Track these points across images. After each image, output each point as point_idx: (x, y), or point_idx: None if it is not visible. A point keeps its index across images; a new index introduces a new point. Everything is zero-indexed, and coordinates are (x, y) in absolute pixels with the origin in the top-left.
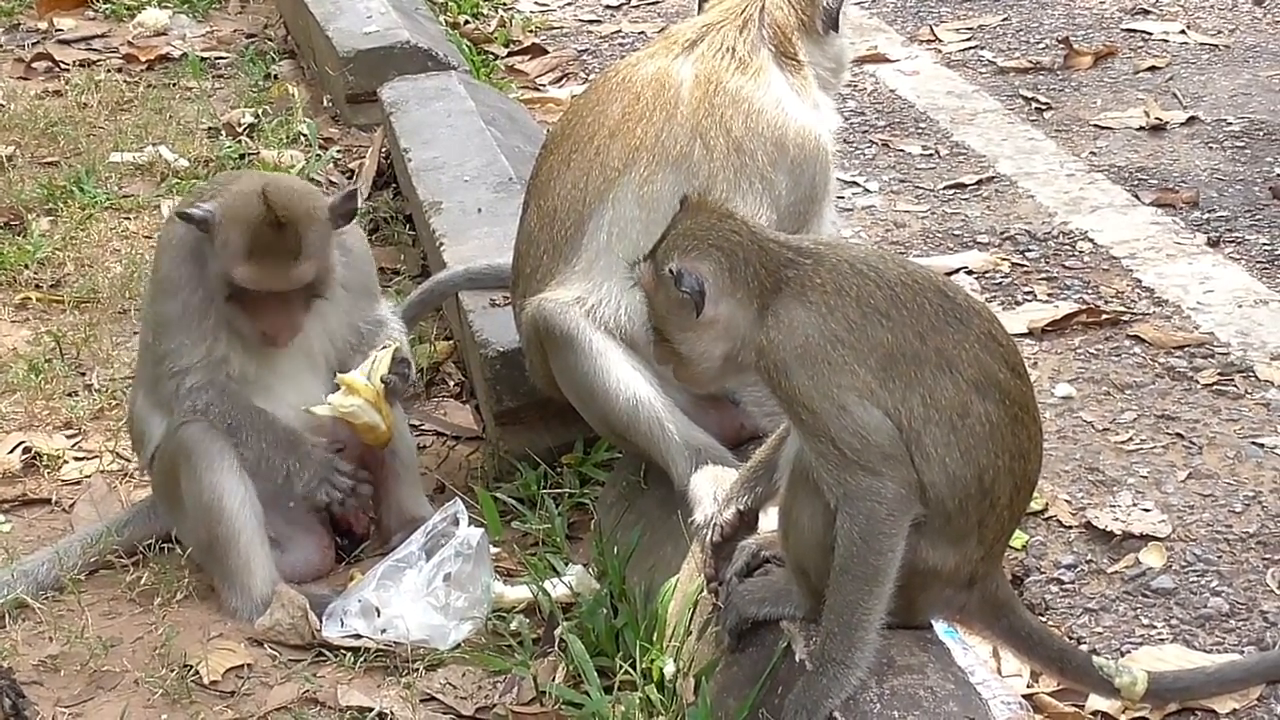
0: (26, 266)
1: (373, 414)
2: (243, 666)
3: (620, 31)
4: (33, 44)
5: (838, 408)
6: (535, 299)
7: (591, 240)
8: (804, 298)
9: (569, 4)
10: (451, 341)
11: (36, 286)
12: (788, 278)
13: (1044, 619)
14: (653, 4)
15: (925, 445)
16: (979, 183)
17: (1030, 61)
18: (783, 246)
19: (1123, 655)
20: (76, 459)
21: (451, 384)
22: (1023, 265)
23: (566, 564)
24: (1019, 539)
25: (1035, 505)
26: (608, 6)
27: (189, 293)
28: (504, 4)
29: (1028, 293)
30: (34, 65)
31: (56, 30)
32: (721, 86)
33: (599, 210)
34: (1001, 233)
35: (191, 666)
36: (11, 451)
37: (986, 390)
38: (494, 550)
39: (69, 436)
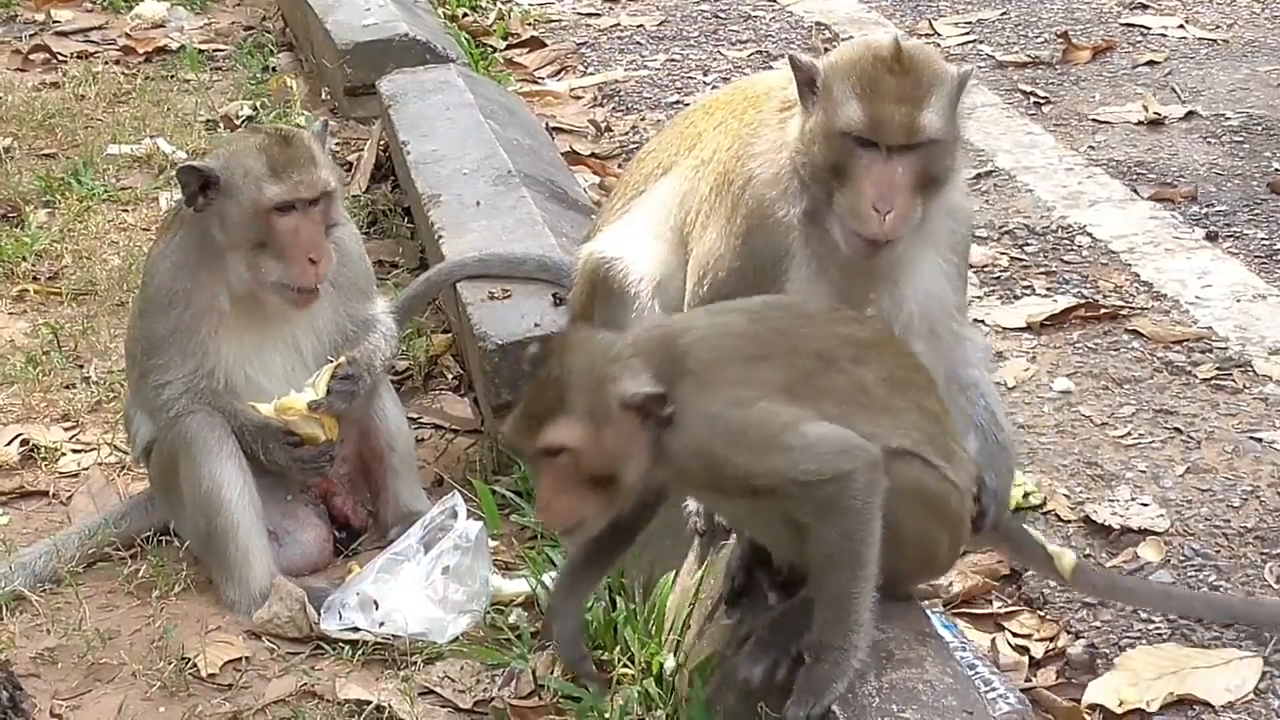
0: (24, 259)
1: (311, 425)
2: (241, 659)
3: (619, 25)
4: (30, 35)
5: (784, 452)
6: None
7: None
8: (697, 386)
9: None
10: (449, 334)
11: (34, 279)
12: (678, 373)
13: (1042, 613)
14: None
15: (860, 430)
16: (977, 177)
17: (1029, 56)
18: (658, 339)
19: (1121, 650)
20: (74, 451)
21: (450, 377)
22: (1021, 260)
23: (564, 557)
24: None
25: (1034, 500)
26: (605, 0)
27: (181, 310)
28: None
29: (1026, 287)
30: (31, 57)
31: (54, 22)
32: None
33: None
34: (1000, 227)
35: (189, 659)
36: (9, 444)
37: (863, 357)
38: (492, 544)
39: (67, 429)
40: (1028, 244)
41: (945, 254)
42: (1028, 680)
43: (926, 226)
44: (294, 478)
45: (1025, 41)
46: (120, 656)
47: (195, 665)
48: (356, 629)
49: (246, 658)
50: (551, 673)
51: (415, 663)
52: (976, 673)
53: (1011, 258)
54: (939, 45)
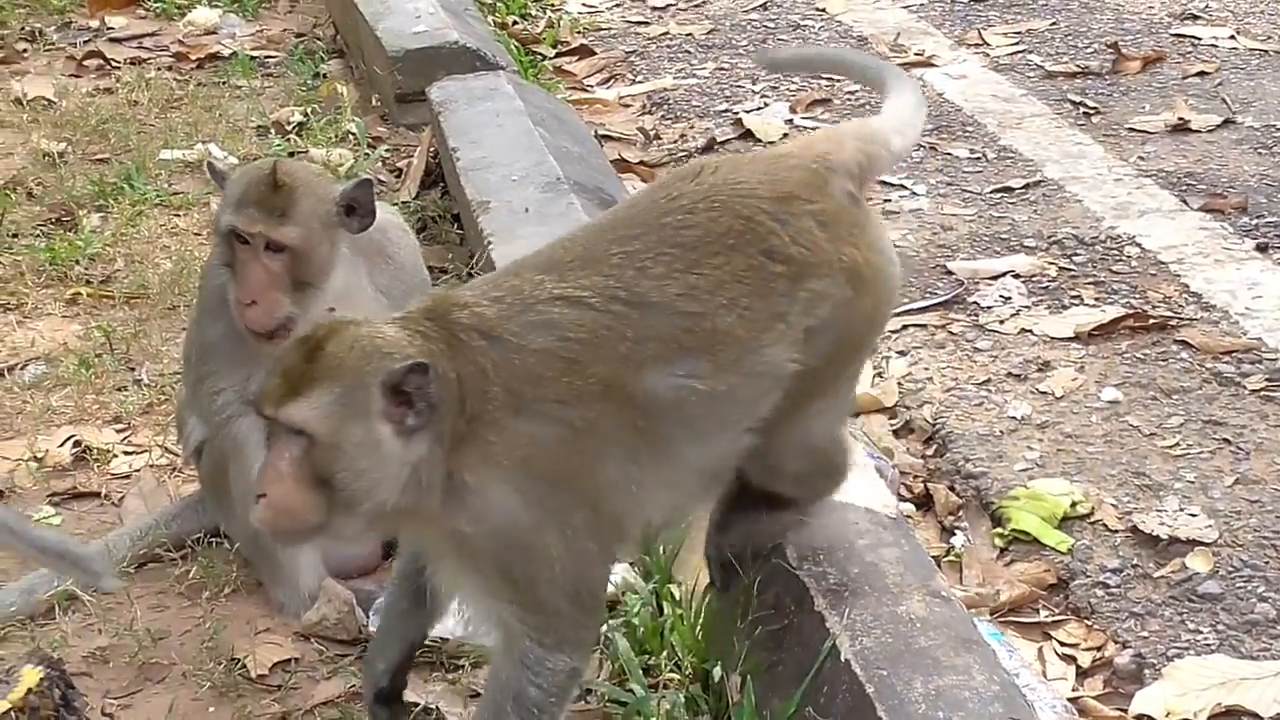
0: (77, 262)
1: None
2: (289, 661)
3: (668, 33)
4: (84, 42)
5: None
6: None
7: None
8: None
9: (616, 5)
10: None
11: (87, 282)
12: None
13: (1090, 623)
14: (699, 6)
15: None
16: (1026, 186)
17: (1078, 66)
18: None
19: (1169, 660)
20: (126, 453)
21: None
22: (1070, 269)
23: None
24: (1064, 542)
25: (1081, 509)
26: (655, 8)
27: (229, 315)
28: (552, 5)
29: (1074, 297)
30: (85, 63)
31: (108, 28)
32: None
33: None
34: (1049, 237)
35: (239, 660)
36: (62, 445)
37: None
38: None
39: (118, 431)
40: (1076, 254)
41: None
42: (1074, 690)
43: None
44: None
45: (1075, 52)
46: (170, 656)
47: (244, 666)
48: None
49: (295, 659)
50: (598, 676)
51: (463, 665)
52: (1022, 681)
53: (1060, 267)
54: (988, 55)
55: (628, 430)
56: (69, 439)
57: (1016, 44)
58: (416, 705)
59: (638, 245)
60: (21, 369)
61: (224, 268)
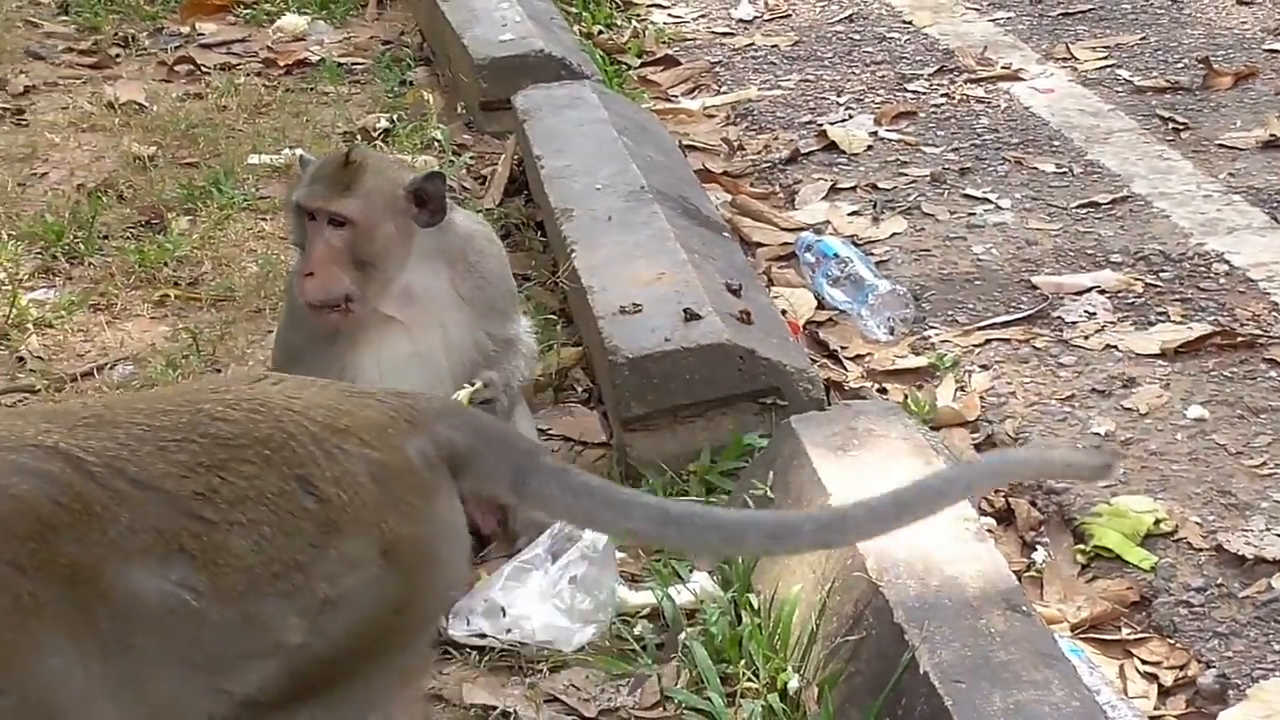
0: (166, 264)
1: None
2: None
3: (753, 44)
4: (175, 47)
5: None
6: None
7: None
8: None
9: (702, 16)
10: (580, 348)
11: (175, 284)
12: None
13: (1173, 641)
14: (784, 18)
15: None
16: (1113, 202)
17: (1168, 81)
18: None
19: (1254, 681)
20: None
21: (579, 390)
22: (1156, 286)
23: (691, 571)
24: (1146, 560)
25: (1165, 527)
26: (740, 20)
27: (315, 321)
28: (637, 15)
29: (1160, 313)
30: (176, 68)
31: (198, 34)
32: None
33: None
34: (1135, 253)
35: None
36: None
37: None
38: (619, 555)
39: None
40: (1163, 270)
41: None
42: (1156, 709)
43: None
44: None
45: (1165, 66)
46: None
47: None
48: (483, 635)
49: None
50: (676, 684)
51: (541, 670)
52: (1103, 698)
53: (1146, 284)
54: (1076, 69)
55: (86, 627)
56: None
57: (1105, 58)
58: (494, 709)
59: (166, 421)
60: (110, 369)
61: (297, 247)
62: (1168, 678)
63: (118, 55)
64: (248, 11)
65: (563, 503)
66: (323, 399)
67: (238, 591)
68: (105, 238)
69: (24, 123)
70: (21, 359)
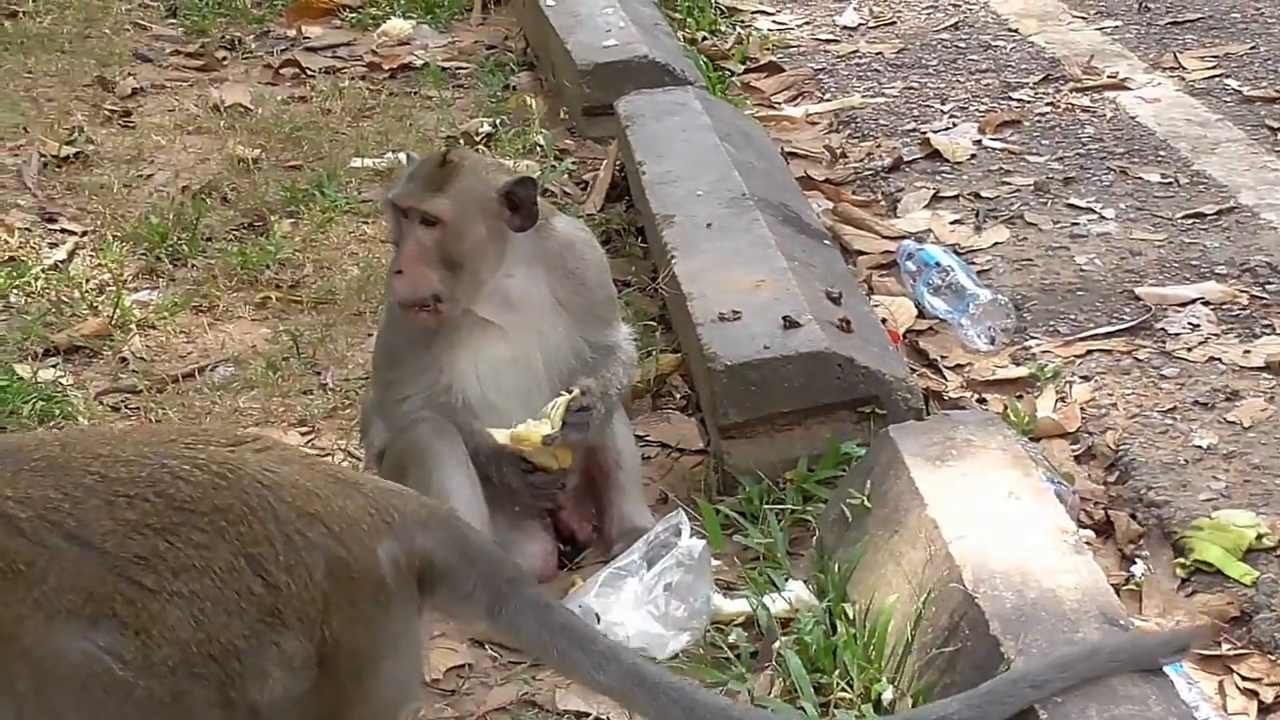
0: (268, 267)
1: (545, 455)
2: (464, 666)
3: (858, 51)
4: (281, 51)
5: None
6: None
7: None
8: None
9: (806, 23)
10: (679, 354)
11: (276, 286)
12: None
13: (1274, 657)
14: (889, 25)
15: None
16: (1219, 213)
17: (1277, 91)
18: None
19: None
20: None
21: (678, 396)
22: (1262, 298)
23: (786, 580)
24: (1248, 575)
25: (1267, 542)
26: (845, 27)
27: (411, 322)
28: (742, 22)
29: (1266, 326)
30: (282, 71)
31: (304, 38)
32: None
33: None
34: (1241, 264)
35: None
36: None
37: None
38: (714, 563)
39: (303, 434)
40: (1269, 282)
41: None
42: None
43: None
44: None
45: (1274, 76)
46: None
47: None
48: None
49: (470, 665)
50: (770, 693)
51: None
52: (1201, 714)
53: (1251, 295)
54: (1183, 78)
55: (3, 685)
56: None
57: (1214, 68)
58: (587, 715)
59: (123, 473)
60: (211, 370)
61: (393, 245)
62: (1268, 694)
63: (224, 58)
64: (353, 15)
65: (538, 639)
66: (302, 478)
67: (168, 666)
68: (209, 239)
69: (131, 125)
70: (124, 360)
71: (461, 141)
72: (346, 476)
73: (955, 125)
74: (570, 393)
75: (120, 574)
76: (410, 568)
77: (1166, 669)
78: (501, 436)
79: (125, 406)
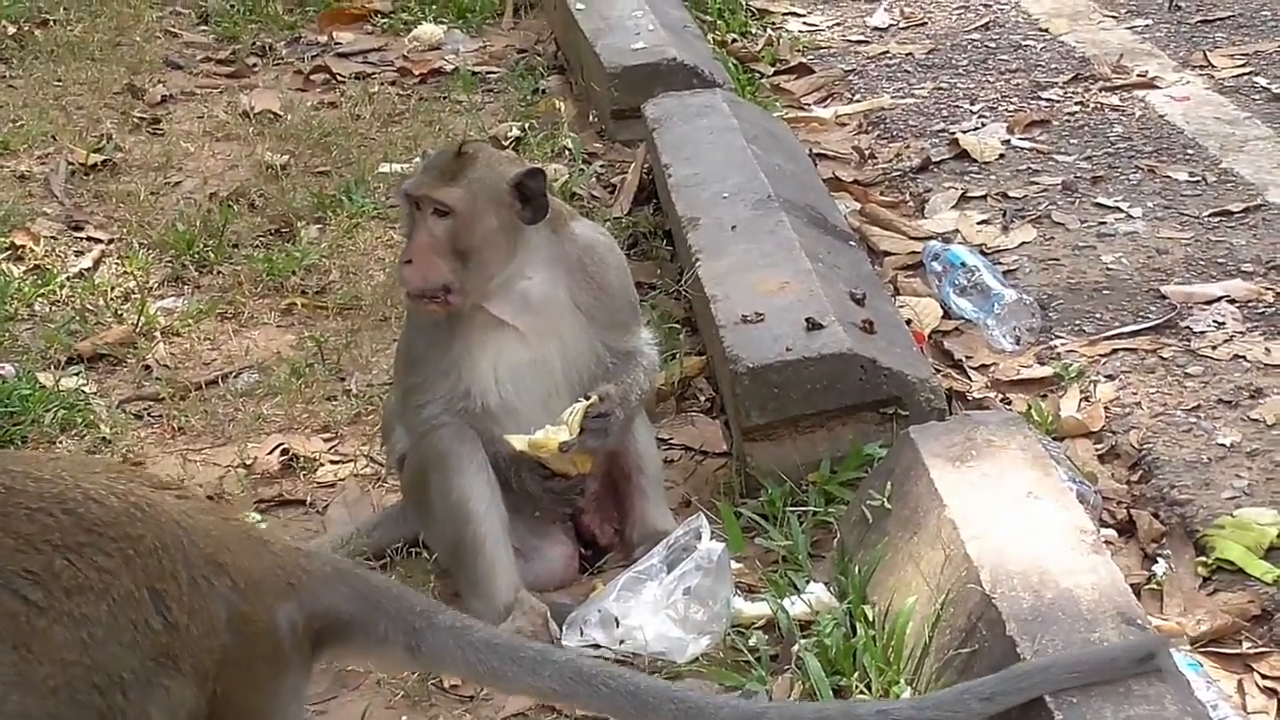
0: (294, 273)
1: (564, 461)
2: None
3: (888, 52)
4: (312, 57)
5: None
6: None
7: None
8: None
9: (837, 25)
10: (703, 357)
11: (302, 292)
12: None
13: None
14: (920, 26)
15: None
16: (1246, 211)
17: None
18: None
19: None
20: (332, 462)
21: (702, 399)
22: None
23: (807, 582)
24: (1270, 573)
25: None
26: (875, 28)
27: (433, 326)
28: (772, 23)
29: None
30: (312, 77)
31: (335, 43)
32: None
33: None
34: (1267, 262)
35: None
36: (271, 453)
37: None
38: (735, 566)
39: (326, 440)
40: None
41: None
42: None
43: None
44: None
45: None
46: (367, 665)
47: (438, 677)
48: (597, 645)
49: None
50: (789, 696)
51: None
52: (1220, 713)
53: (1277, 293)
54: (1213, 77)
55: None
56: (278, 447)
57: (1243, 66)
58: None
59: (30, 487)
60: (236, 376)
61: (405, 238)
62: None
63: (255, 64)
64: (384, 21)
65: (465, 660)
66: (218, 530)
67: (49, 686)
68: (235, 246)
69: (160, 132)
70: (148, 367)
71: (490, 147)
72: (258, 535)
73: (984, 125)
74: (589, 399)
75: (8, 585)
76: (308, 631)
77: (1184, 668)
78: (519, 443)
79: (148, 414)
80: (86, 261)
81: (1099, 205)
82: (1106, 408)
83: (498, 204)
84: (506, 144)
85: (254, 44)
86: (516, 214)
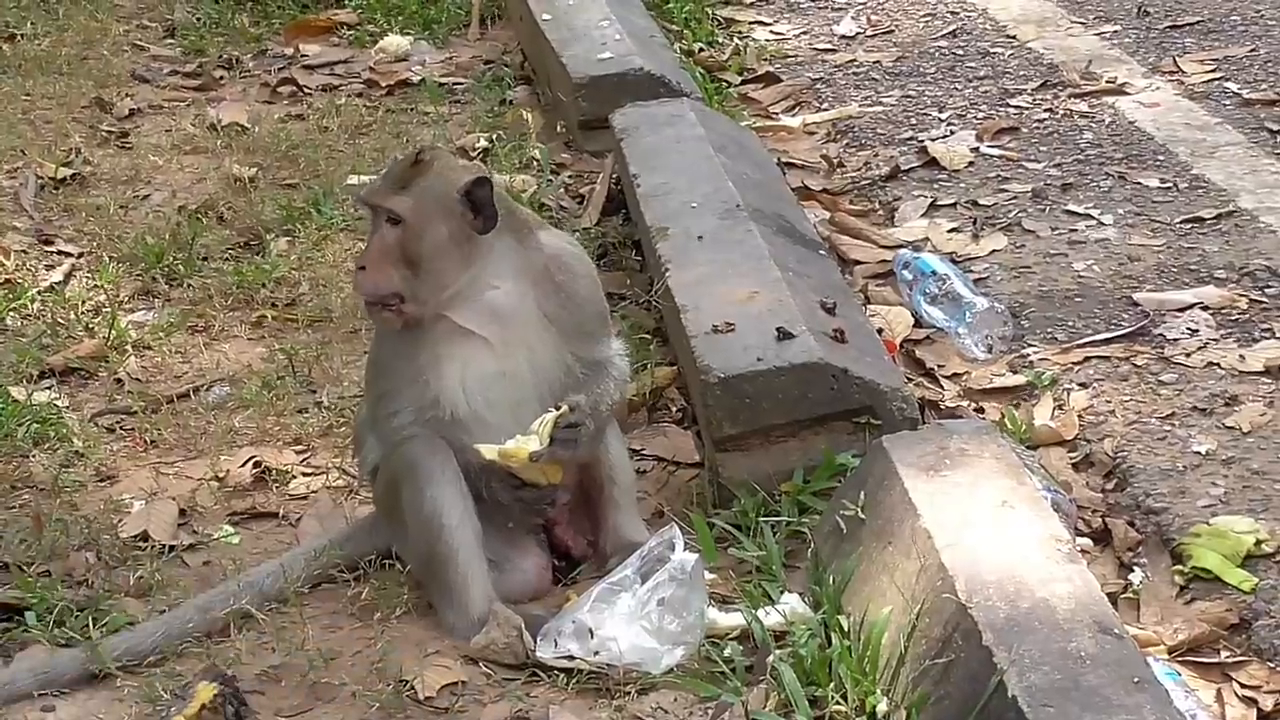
0: (263, 285)
1: (534, 471)
2: (457, 683)
3: (855, 60)
4: (279, 69)
5: None
6: None
7: None
8: None
9: (804, 33)
10: (674, 367)
11: (272, 305)
12: None
13: (1273, 664)
14: (887, 34)
15: None
16: (1218, 217)
17: (1277, 93)
18: None
19: None
20: (304, 474)
21: (673, 410)
22: (1261, 302)
23: (782, 592)
24: (1247, 581)
25: (1266, 548)
26: (842, 37)
27: (401, 335)
28: (739, 32)
29: (1265, 330)
30: (279, 90)
31: (302, 55)
32: None
33: None
34: (1240, 268)
35: (407, 681)
36: (243, 465)
37: None
38: (709, 576)
39: (298, 452)
40: (1269, 286)
41: None
42: None
43: None
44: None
45: (1275, 79)
46: (341, 676)
47: (413, 688)
48: (571, 657)
49: (463, 682)
50: (764, 707)
51: (629, 692)
52: None
53: (1251, 300)
54: (1182, 82)
55: None
56: (250, 460)
57: (1213, 71)
58: None
59: None
60: (207, 390)
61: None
62: (1267, 702)
63: (221, 77)
64: (351, 33)
65: None
66: None
67: None
68: (204, 259)
69: (128, 145)
70: (119, 381)
71: (457, 158)
72: None
73: (953, 133)
74: (559, 409)
75: None
76: None
77: (1162, 676)
78: (489, 453)
79: (120, 427)
80: (57, 275)
81: (1069, 212)
82: (1080, 416)
83: (447, 213)
84: (474, 155)
85: (220, 57)
86: (469, 223)
